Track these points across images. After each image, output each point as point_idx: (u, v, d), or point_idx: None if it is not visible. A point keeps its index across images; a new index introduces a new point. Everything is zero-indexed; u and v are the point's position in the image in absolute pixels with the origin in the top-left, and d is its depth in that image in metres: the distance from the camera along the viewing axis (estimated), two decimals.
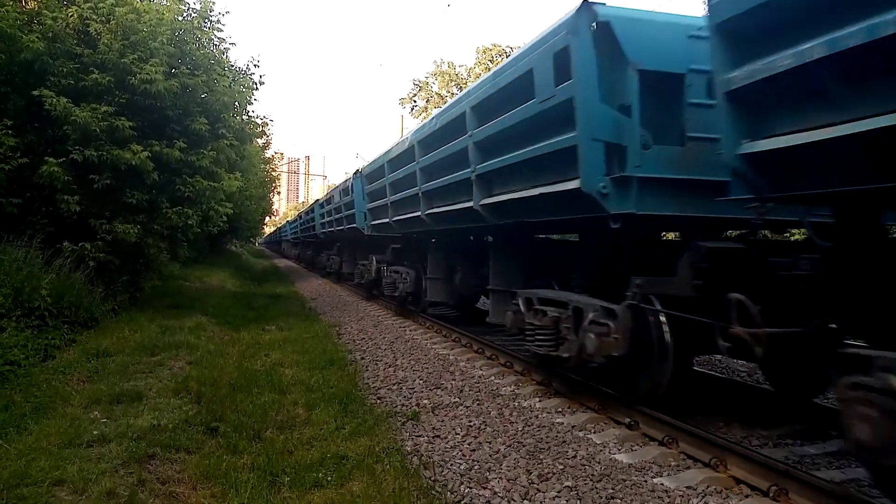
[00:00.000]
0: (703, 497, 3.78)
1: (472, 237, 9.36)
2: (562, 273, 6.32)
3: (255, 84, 13.21)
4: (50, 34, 9.26)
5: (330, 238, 20.80)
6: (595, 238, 6.02)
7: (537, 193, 5.40)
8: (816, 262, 3.78)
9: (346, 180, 16.26)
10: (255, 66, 13.56)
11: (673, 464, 4.32)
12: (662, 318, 4.83)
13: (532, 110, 5.22)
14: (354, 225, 14.29)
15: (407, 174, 9.49)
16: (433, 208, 8.51)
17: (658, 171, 4.54)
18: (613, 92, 4.52)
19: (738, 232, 5.56)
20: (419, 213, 8.90)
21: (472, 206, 6.80)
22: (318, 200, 24.60)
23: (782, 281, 3.99)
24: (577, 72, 4.51)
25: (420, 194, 8.82)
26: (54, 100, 8.68)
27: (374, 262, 13.79)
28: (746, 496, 3.79)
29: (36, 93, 8.74)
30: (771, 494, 3.66)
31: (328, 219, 19.55)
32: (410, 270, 11.26)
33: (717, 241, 4.96)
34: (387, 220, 11.01)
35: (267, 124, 17.01)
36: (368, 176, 12.78)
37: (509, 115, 5.67)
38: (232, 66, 12.79)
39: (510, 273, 7.43)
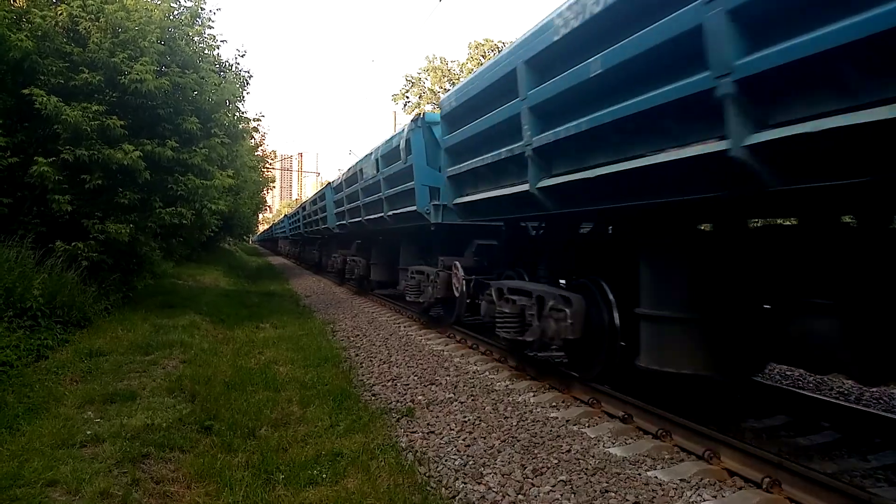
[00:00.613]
0: (697, 489, 3.80)
1: None
2: None
3: (245, 80, 13.22)
4: (39, 33, 9.19)
5: (351, 232, 15.74)
6: None
7: None
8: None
9: (394, 137, 10.34)
10: (240, 56, 13.59)
11: (667, 457, 4.35)
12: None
13: None
14: (411, 208, 9.32)
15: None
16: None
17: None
18: None
19: None
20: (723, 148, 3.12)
21: None
22: (330, 183, 18.95)
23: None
24: None
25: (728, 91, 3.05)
26: (45, 99, 8.61)
27: (460, 272, 8.45)
28: (740, 488, 3.81)
29: (26, 92, 8.67)
30: (764, 486, 3.69)
31: (350, 206, 14.56)
32: (574, 296, 5.49)
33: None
34: (559, 178, 4.92)
35: (259, 120, 16.89)
36: (466, 105, 6.68)
37: None
38: (224, 63, 12.79)
39: None
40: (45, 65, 9.13)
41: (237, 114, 13.51)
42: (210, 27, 11.81)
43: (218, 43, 12.29)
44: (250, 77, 13.43)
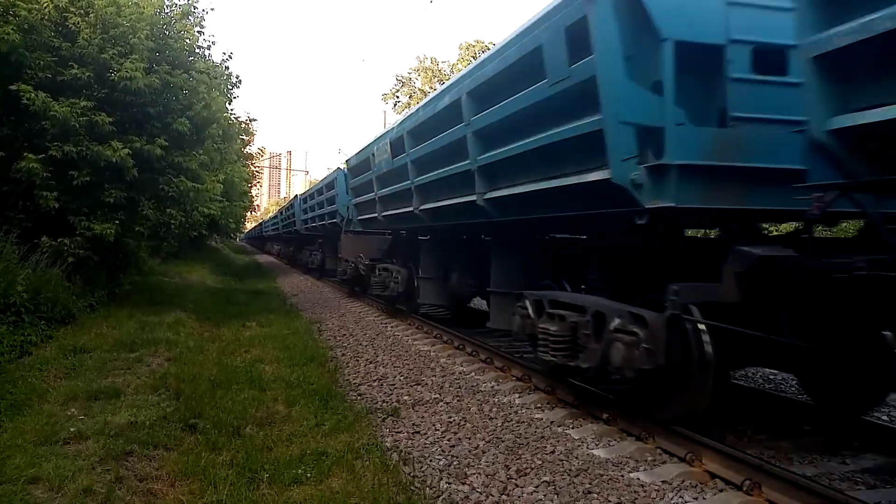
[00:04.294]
0: (679, 491, 3.84)
1: None
2: None
3: (234, 83, 13.24)
4: (25, 26, 9.08)
5: (383, 230, 11.63)
6: None
7: None
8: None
9: (526, 31, 5.18)
10: (228, 57, 13.60)
11: (649, 459, 4.38)
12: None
13: None
14: (589, 176, 4.51)
15: None
16: None
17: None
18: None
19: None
20: None
21: None
22: (341, 169, 15.05)
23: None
24: None
25: None
26: (32, 94, 8.52)
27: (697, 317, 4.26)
28: (721, 490, 3.86)
29: (13, 87, 8.58)
30: (744, 488, 3.73)
31: (384, 192, 10.24)
32: None
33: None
34: None
35: (251, 124, 16.87)
36: None
37: None
38: (215, 65, 12.77)
39: None
40: (32, 59, 9.02)
41: (228, 118, 13.51)
42: (201, 27, 11.74)
43: (209, 44, 12.27)
44: (239, 81, 13.41)
